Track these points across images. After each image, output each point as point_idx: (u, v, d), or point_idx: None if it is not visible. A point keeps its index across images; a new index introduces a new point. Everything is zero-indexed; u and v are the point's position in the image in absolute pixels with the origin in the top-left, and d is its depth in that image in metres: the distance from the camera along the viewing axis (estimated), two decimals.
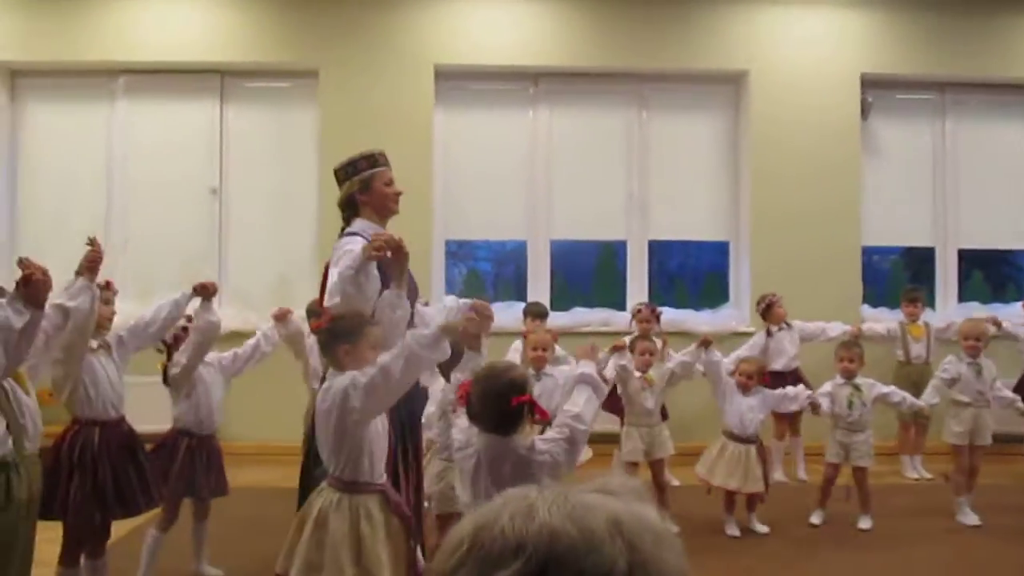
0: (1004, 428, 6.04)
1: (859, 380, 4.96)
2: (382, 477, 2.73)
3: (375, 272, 3.04)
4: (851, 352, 5.00)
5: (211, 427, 3.97)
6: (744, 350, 5.96)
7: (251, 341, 4.29)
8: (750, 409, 4.77)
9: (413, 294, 3.28)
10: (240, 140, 7.19)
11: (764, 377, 4.95)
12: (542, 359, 4.83)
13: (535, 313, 5.87)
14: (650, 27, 7.12)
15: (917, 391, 5.27)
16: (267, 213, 7.18)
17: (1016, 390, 5.59)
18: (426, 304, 4.04)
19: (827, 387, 5.00)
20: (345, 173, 3.37)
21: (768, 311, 6.16)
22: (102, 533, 3.48)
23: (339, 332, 2.72)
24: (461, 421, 2.60)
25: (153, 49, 6.92)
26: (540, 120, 7.32)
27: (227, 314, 6.74)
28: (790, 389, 4.94)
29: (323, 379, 2.84)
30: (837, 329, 6.20)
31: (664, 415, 5.12)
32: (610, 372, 4.86)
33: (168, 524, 3.84)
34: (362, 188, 3.33)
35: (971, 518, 4.91)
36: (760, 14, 7.18)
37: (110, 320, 3.67)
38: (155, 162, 7.11)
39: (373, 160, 3.37)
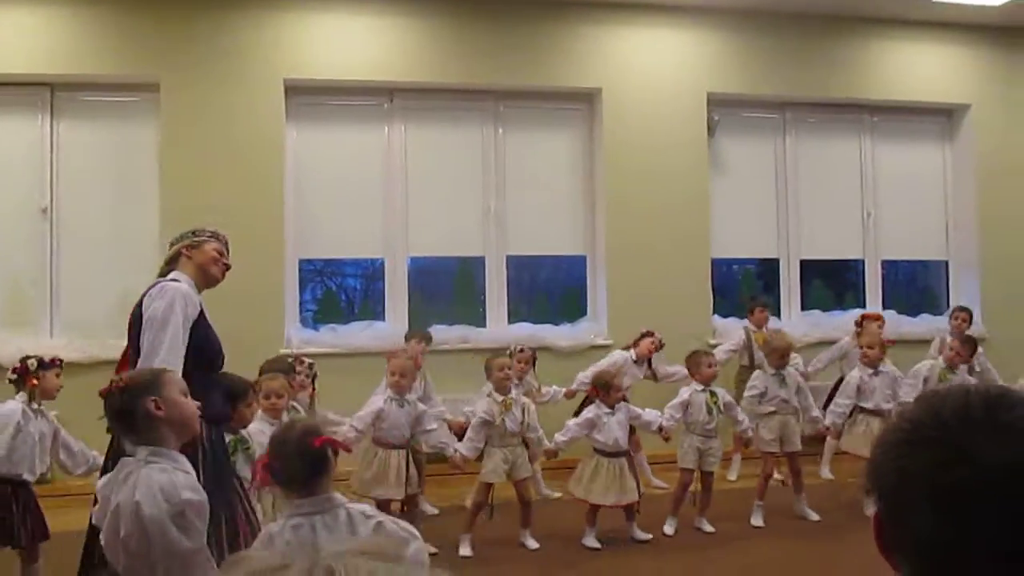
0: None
1: (714, 387, 5.13)
2: None
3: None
4: (708, 359, 5.16)
5: (24, 474, 3.72)
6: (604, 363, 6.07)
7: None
8: (619, 425, 4.82)
9: None
10: (74, 157, 6.72)
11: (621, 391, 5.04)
12: (399, 385, 4.71)
13: (411, 336, 5.82)
14: (505, 44, 7.15)
15: None
16: (105, 234, 6.73)
17: (828, 400, 5.90)
18: None
19: (684, 394, 5.12)
20: (180, 237, 3.33)
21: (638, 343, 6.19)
22: None
23: (140, 386, 2.25)
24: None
25: None
26: (395, 136, 7.21)
27: (60, 344, 6.31)
28: (648, 411, 5.01)
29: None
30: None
31: (526, 443, 5.09)
32: (480, 408, 4.84)
33: None
34: (191, 246, 3.28)
35: (760, 520, 5.14)
36: (611, 35, 7.34)
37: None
38: None
39: (215, 235, 3.35)
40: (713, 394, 5.08)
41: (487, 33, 7.14)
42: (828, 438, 6.20)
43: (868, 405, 5.41)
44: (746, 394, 5.38)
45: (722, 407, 5.09)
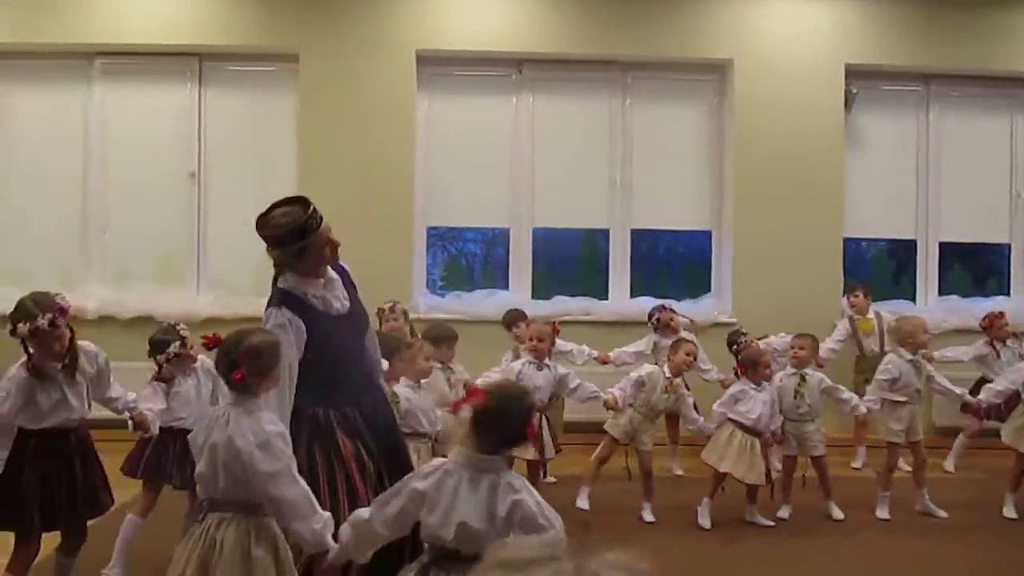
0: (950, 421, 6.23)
1: (807, 371, 4.99)
2: None
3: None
4: (803, 341, 5.03)
5: (188, 424, 3.92)
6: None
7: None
8: (764, 403, 4.80)
9: (364, 320, 3.21)
10: (219, 124, 7.11)
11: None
12: (539, 349, 4.84)
13: (516, 319, 5.81)
14: (635, 14, 7.06)
15: None
16: (247, 197, 7.03)
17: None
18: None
19: (776, 379, 5.01)
20: (277, 242, 2.91)
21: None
22: (71, 536, 3.44)
23: (262, 368, 2.56)
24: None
25: (130, 31, 6.82)
26: (523, 107, 7.26)
27: (206, 300, 6.75)
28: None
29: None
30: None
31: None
32: (645, 370, 4.94)
33: (144, 510, 3.86)
34: (295, 259, 2.93)
35: (885, 512, 4.95)
36: (745, 3, 7.13)
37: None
38: (132, 146, 7.03)
39: (303, 232, 2.87)
40: (803, 378, 4.94)
41: (616, 3, 7.06)
42: (961, 436, 5.99)
43: None
44: (877, 376, 5.08)
45: (813, 392, 4.92)
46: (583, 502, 4.78)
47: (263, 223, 2.92)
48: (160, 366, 3.96)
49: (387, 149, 6.86)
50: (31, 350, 3.24)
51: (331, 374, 2.92)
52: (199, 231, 7.08)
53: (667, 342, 5.61)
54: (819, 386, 4.96)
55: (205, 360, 4.07)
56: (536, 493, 2.32)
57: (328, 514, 2.54)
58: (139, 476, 3.91)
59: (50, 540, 3.42)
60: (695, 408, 5.04)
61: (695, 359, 5.04)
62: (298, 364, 2.86)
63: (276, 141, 7.06)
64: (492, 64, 7.22)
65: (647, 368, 4.99)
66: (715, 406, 4.91)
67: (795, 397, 4.91)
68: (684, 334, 5.65)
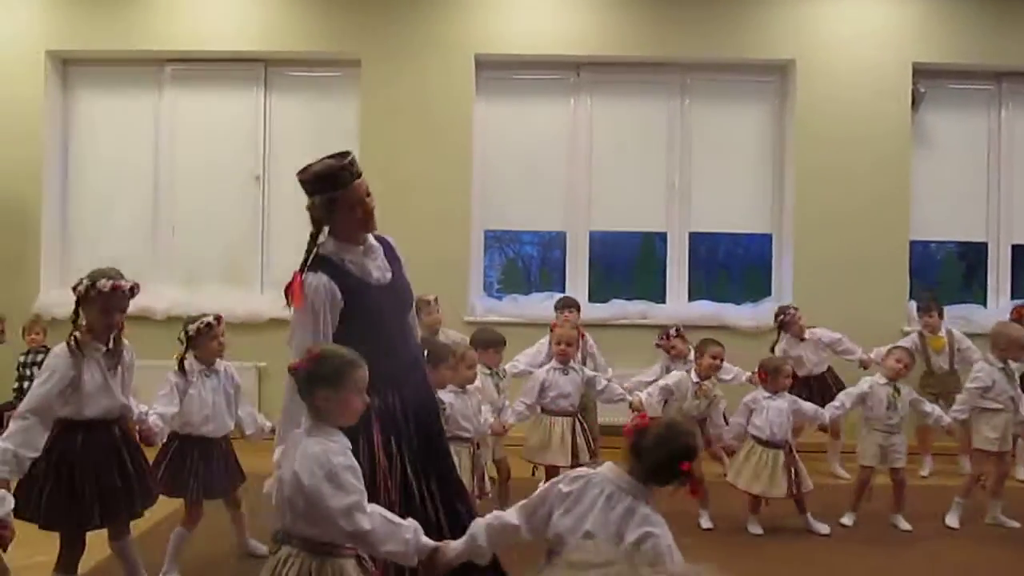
0: None
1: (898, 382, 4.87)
2: None
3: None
4: (907, 359, 4.86)
5: (207, 431, 3.91)
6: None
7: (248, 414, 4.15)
8: (778, 411, 4.70)
9: (408, 295, 3.15)
10: (283, 128, 7.28)
11: (791, 379, 4.89)
12: (565, 353, 4.84)
13: (566, 305, 5.85)
14: (694, 15, 7.00)
15: (939, 401, 5.18)
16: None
17: None
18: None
19: (865, 385, 4.88)
20: (309, 188, 2.94)
21: (786, 328, 6.02)
22: (122, 525, 3.42)
23: (321, 376, 2.41)
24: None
25: (199, 38, 7.03)
26: (581, 110, 7.26)
27: (268, 299, 6.89)
28: (810, 407, 4.88)
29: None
30: (856, 353, 5.99)
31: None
32: (672, 378, 4.92)
33: (189, 523, 3.86)
34: (327, 211, 2.91)
35: (956, 521, 4.81)
36: (808, 3, 7.01)
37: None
38: (200, 149, 7.25)
39: (334, 180, 2.87)
40: (897, 389, 4.78)
41: (675, 4, 7.01)
42: (1020, 440, 5.80)
43: None
44: (969, 385, 4.95)
45: (904, 404, 4.79)
46: None
47: (304, 170, 2.94)
48: (187, 341, 3.87)
49: (446, 153, 6.94)
50: (84, 319, 3.19)
51: (371, 348, 2.61)
52: (263, 233, 7.25)
53: (677, 366, 5.51)
54: (908, 398, 4.84)
55: (230, 367, 4.06)
56: (671, 536, 2.30)
57: (411, 520, 2.46)
58: (162, 491, 3.78)
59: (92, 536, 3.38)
60: (724, 417, 4.96)
61: (722, 361, 4.93)
62: (333, 336, 2.80)
63: (338, 144, 6.92)
64: (550, 67, 7.24)
65: (674, 376, 4.94)
66: (732, 418, 4.84)
67: (887, 408, 4.77)
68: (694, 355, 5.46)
